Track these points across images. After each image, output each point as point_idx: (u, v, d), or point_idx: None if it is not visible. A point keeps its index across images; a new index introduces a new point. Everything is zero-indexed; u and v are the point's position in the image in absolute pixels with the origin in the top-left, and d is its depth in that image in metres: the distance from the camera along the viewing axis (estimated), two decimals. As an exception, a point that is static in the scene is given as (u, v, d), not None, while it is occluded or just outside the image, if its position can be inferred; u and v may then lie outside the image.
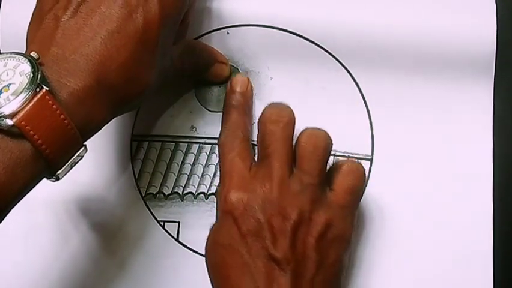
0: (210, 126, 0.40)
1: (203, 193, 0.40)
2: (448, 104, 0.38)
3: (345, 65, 0.39)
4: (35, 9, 0.32)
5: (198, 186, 0.40)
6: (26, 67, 0.27)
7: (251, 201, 0.33)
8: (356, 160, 0.39)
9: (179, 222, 0.40)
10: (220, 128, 0.39)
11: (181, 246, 0.40)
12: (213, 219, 0.38)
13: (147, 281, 0.40)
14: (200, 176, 0.40)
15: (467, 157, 0.38)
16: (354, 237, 0.36)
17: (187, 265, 0.39)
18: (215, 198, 0.40)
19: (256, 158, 0.37)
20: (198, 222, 0.40)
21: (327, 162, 0.34)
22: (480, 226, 0.38)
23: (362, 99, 0.39)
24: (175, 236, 0.40)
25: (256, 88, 0.40)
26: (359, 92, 0.39)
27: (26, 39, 0.31)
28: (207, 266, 0.35)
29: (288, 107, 0.36)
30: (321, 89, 0.39)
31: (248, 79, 0.39)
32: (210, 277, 0.34)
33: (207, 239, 0.35)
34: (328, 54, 0.39)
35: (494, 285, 0.37)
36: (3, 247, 0.40)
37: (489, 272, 0.37)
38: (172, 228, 0.40)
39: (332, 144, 0.35)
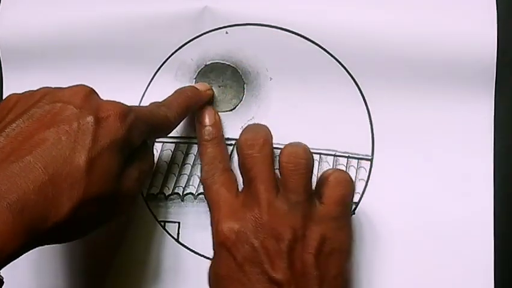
0: (210, 126, 0.40)
1: (203, 193, 0.40)
2: (449, 104, 0.38)
3: (345, 65, 0.38)
4: None
5: (197, 186, 0.40)
6: None
7: (242, 229, 0.33)
8: (345, 165, 0.39)
9: (179, 223, 0.40)
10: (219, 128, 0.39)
11: (181, 246, 0.40)
12: (213, 220, 0.38)
13: (147, 281, 0.40)
14: (200, 176, 0.40)
15: (468, 157, 0.38)
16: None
17: (187, 265, 0.40)
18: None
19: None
20: (198, 223, 0.40)
21: (311, 176, 0.34)
22: (481, 226, 0.37)
23: (362, 99, 0.39)
24: (175, 237, 0.40)
25: (255, 89, 0.40)
26: (359, 91, 0.39)
27: None
28: None
29: (263, 127, 0.37)
30: (321, 89, 0.39)
31: (214, 109, 0.39)
32: None
33: (208, 273, 0.35)
34: (328, 54, 0.38)
35: (495, 285, 0.37)
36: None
37: (490, 272, 0.37)
38: (172, 228, 0.40)
39: (312, 158, 0.35)
